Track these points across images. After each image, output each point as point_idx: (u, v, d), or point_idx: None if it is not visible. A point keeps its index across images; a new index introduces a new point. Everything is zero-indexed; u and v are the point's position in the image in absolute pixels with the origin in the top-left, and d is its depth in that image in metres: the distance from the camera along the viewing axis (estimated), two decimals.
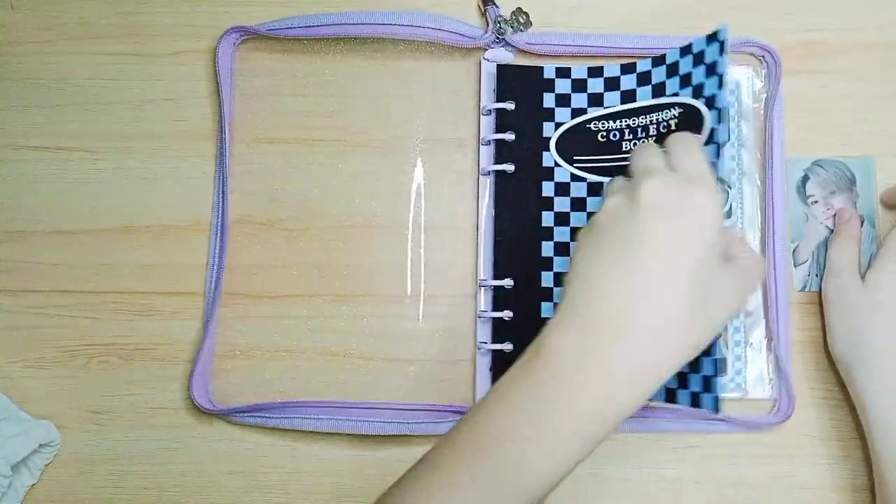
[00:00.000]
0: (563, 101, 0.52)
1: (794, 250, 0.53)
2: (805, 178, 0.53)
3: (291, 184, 0.54)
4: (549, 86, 0.53)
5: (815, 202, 0.53)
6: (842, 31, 0.55)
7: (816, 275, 0.52)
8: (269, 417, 0.50)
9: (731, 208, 0.53)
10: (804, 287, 0.52)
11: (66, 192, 0.54)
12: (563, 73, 0.53)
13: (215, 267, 0.52)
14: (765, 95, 0.54)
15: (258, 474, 0.51)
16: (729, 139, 0.50)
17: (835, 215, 0.53)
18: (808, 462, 0.51)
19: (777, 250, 0.52)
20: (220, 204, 0.53)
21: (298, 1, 0.55)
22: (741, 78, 0.54)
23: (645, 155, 0.41)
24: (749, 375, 0.51)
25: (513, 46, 0.53)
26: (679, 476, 0.51)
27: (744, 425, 0.51)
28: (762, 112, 0.54)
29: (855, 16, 0.55)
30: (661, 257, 0.36)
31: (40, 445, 0.50)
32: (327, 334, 0.52)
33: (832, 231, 0.53)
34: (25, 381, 0.52)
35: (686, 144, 0.41)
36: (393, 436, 0.50)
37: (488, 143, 0.53)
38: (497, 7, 0.53)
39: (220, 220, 0.53)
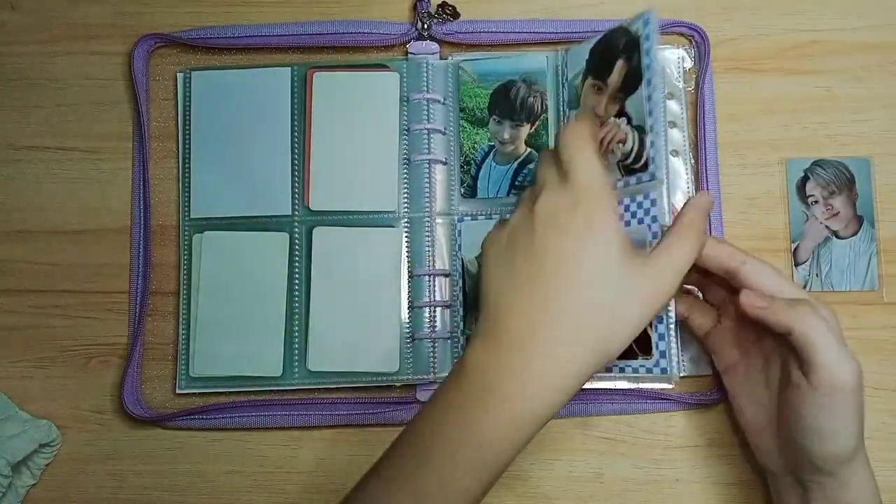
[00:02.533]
0: None
1: (794, 250, 0.53)
2: (805, 179, 0.54)
3: None
4: None
5: (815, 202, 0.53)
6: (840, 31, 0.55)
7: (816, 274, 0.53)
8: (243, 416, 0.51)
9: (647, 160, 0.44)
10: (804, 287, 0.52)
11: (67, 193, 0.54)
12: None
13: None
14: (695, 75, 0.54)
15: (258, 474, 0.51)
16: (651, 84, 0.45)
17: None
18: None
19: (713, 228, 0.52)
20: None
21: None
22: (671, 59, 0.54)
23: (543, 164, 0.43)
24: (688, 355, 0.51)
25: (436, 39, 0.54)
26: (679, 477, 0.51)
27: (685, 402, 0.51)
28: (693, 92, 0.54)
29: (853, 16, 0.55)
30: (556, 272, 0.39)
31: (40, 445, 0.50)
32: None
33: (835, 232, 0.53)
34: (26, 381, 0.52)
35: (573, 147, 0.41)
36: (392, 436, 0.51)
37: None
38: (428, 2, 0.54)
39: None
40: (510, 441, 0.38)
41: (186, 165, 0.53)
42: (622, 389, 0.51)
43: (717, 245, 0.45)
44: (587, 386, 0.50)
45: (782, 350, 0.45)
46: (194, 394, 0.51)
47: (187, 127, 0.53)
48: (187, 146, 0.53)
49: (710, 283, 0.49)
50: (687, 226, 0.42)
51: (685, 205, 0.43)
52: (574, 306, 0.38)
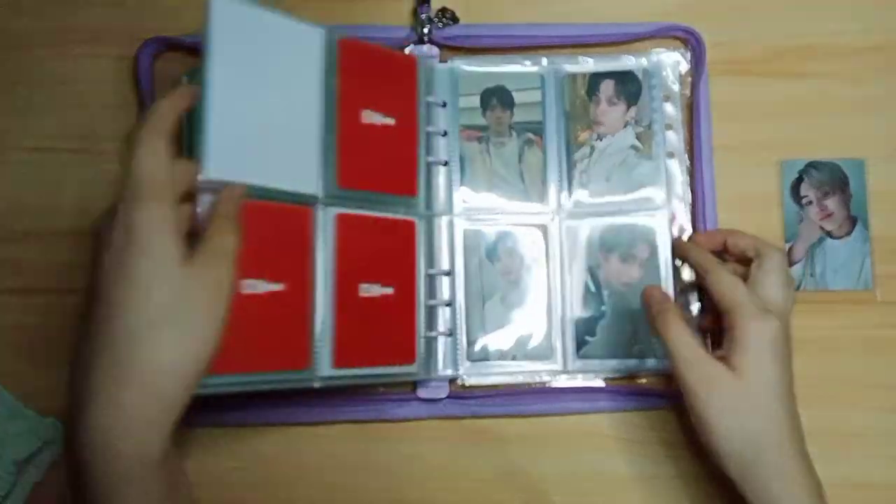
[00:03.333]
0: None
1: (788, 250, 0.54)
2: (799, 180, 0.54)
3: None
4: None
5: (810, 203, 0.54)
6: (835, 34, 0.56)
7: (811, 274, 0.53)
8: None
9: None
10: (798, 287, 0.53)
11: (73, 194, 0.54)
12: None
13: None
14: (691, 78, 0.55)
15: (262, 470, 0.52)
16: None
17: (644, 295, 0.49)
18: None
19: (707, 228, 0.53)
20: None
21: None
22: (667, 62, 0.55)
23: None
24: None
25: (437, 43, 0.55)
26: (677, 474, 0.52)
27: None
28: (689, 94, 0.55)
29: (847, 19, 0.56)
30: (111, 299, 0.37)
31: (45, 443, 0.50)
32: None
33: (829, 233, 0.54)
34: (31, 379, 0.52)
35: (135, 145, 0.39)
36: (396, 433, 0.52)
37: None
38: (428, 7, 0.55)
39: None
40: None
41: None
42: (621, 387, 0.52)
43: (691, 251, 0.49)
44: (587, 384, 0.52)
45: None
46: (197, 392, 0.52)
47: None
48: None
49: None
50: (223, 217, 0.41)
51: (221, 196, 0.41)
52: (134, 328, 0.36)
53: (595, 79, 0.54)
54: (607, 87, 0.54)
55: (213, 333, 0.38)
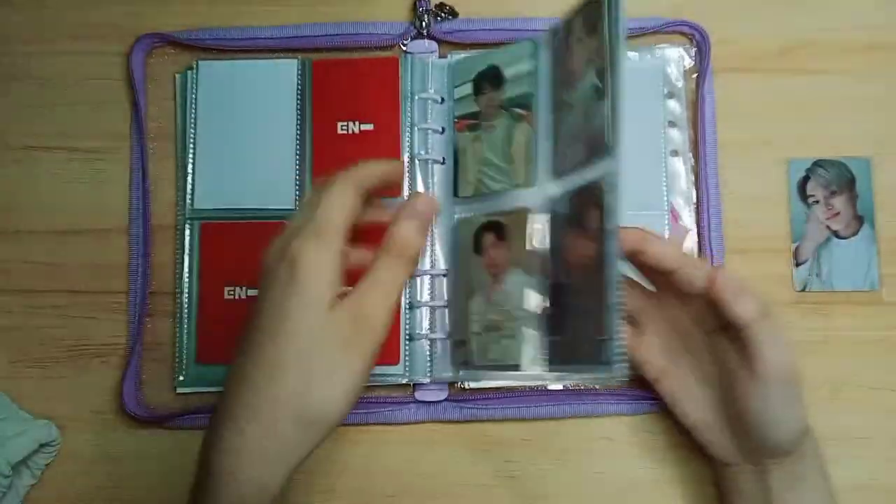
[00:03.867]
0: None
1: (794, 250, 0.53)
2: (806, 179, 0.54)
3: None
4: None
5: (816, 202, 0.53)
6: (841, 31, 0.55)
7: (817, 274, 0.53)
8: None
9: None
10: (804, 287, 0.53)
11: (65, 192, 0.54)
12: None
13: None
14: (695, 75, 0.54)
15: None
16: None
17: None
18: None
19: (712, 228, 0.52)
20: None
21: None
22: (671, 58, 0.54)
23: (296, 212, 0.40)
24: None
25: (435, 38, 0.54)
26: (679, 477, 0.51)
27: None
28: (693, 91, 0.54)
29: (854, 17, 0.55)
30: (266, 328, 0.37)
31: (41, 445, 0.50)
32: None
33: (836, 232, 0.53)
34: (26, 381, 0.52)
35: (317, 190, 0.40)
36: (395, 436, 0.51)
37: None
38: (427, 1, 0.54)
39: None
40: None
41: (188, 157, 0.53)
42: (622, 390, 0.51)
43: (660, 247, 0.44)
44: (588, 386, 0.51)
45: (717, 347, 0.45)
46: (194, 394, 0.51)
47: (191, 119, 0.53)
48: (190, 139, 0.53)
49: (631, 293, 0.48)
50: (399, 246, 0.40)
51: (400, 212, 0.41)
52: (276, 361, 0.36)
53: (568, 24, 0.44)
54: (577, 25, 0.43)
55: (352, 375, 0.37)
